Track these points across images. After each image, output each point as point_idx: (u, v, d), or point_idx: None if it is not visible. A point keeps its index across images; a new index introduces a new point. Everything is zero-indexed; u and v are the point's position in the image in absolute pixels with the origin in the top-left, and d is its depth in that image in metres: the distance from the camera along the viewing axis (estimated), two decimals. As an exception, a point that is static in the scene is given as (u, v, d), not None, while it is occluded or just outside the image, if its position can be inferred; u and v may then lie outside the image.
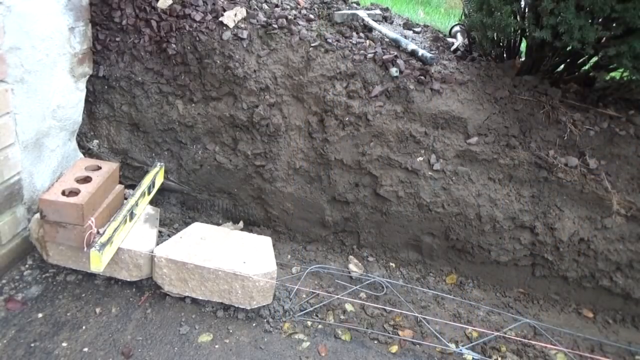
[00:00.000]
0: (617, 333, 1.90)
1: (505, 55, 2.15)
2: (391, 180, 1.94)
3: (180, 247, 1.63)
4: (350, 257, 2.05)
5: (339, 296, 1.71)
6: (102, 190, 1.62)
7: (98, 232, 1.55)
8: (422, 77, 1.90)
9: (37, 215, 1.59)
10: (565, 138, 1.85)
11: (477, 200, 1.89)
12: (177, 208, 2.13)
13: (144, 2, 1.95)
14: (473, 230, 1.92)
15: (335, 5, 2.29)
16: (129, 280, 1.63)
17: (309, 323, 1.65)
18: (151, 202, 1.88)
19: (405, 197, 1.94)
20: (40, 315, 1.50)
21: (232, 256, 1.62)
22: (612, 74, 2.04)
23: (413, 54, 1.99)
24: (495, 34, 2.01)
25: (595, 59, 1.90)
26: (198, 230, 1.75)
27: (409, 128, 1.90)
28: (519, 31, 2.00)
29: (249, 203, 2.11)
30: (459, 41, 2.29)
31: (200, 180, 2.08)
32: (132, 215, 1.67)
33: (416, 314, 1.74)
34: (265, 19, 1.98)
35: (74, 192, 1.55)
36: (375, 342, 1.62)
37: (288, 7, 2.16)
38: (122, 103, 1.99)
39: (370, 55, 1.93)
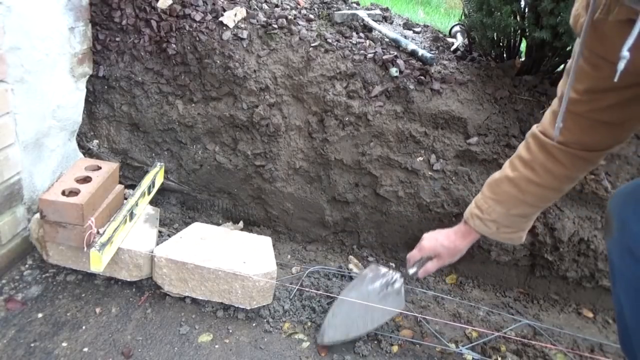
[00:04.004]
0: (617, 333, 1.90)
1: (505, 55, 2.15)
2: (391, 180, 1.94)
3: (180, 247, 1.63)
4: (350, 257, 2.05)
5: (339, 296, 1.71)
6: (102, 190, 1.62)
7: (98, 232, 1.55)
8: (422, 77, 1.90)
9: (37, 215, 1.59)
10: (565, 138, 1.85)
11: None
12: (177, 208, 2.13)
13: (144, 2, 1.95)
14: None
15: (335, 5, 2.29)
16: (129, 280, 1.63)
17: (309, 323, 1.65)
18: (151, 202, 1.88)
19: (405, 197, 1.94)
20: (40, 315, 1.50)
21: (232, 256, 1.63)
22: (612, 74, 2.03)
23: (413, 54, 1.99)
24: (495, 34, 2.01)
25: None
26: (198, 230, 1.75)
27: (408, 128, 1.90)
28: (519, 31, 2.00)
29: (249, 203, 2.11)
30: (459, 41, 2.29)
31: (200, 180, 2.08)
32: (132, 215, 1.67)
33: (416, 314, 1.74)
34: (265, 19, 1.98)
35: (74, 192, 1.55)
36: (375, 342, 1.62)
37: (288, 7, 2.16)
38: (122, 103, 2.00)
39: (370, 55, 1.93)
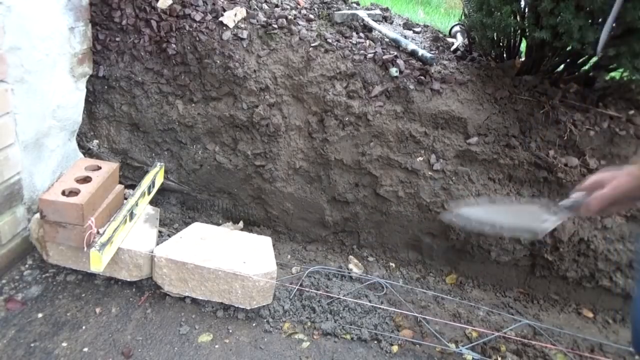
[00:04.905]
0: (617, 333, 1.90)
1: (505, 55, 2.15)
2: (391, 180, 1.94)
3: (180, 247, 1.63)
4: (350, 257, 2.05)
5: (339, 296, 1.71)
6: (102, 190, 1.62)
7: (98, 232, 1.55)
8: (422, 77, 1.90)
9: (37, 215, 1.59)
10: (565, 138, 1.85)
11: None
12: (177, 208, 2.13)
13: (144, 2, 1.95)
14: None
15: (335, 5, 2.29)
16: (129, 280, 1.63)
17: (309, 323, 1.65)
18: (151, 202, 1.88)
19: (405, 197, 1.94)
20: (40, 315, 1.50)
21: (232, 256, 1.62)
22: (612, 74, 2.04)
23: (413, 54, 1.99)
24: (495, 34, 2.01)
25: (595, 59, 1.90)
26: (198, 230, 1.75)
27: (408, 128, 1.90)
28: (519, 31, 2.00)
29: (249, 203, 2.11)
30: (459, 41, 2.29)
31: (200, 180, 2.08)
32: (132, 215, 1.67)
33: (416, 314, 1.74)
34: (265, 19, 1.98)
35: (74, 192, 1.55)
36: (375, 342, 1.62)
37: (288, 7, 2.16)
38: (122, 103, 1.99)
39: (370, 55, 1.93)
